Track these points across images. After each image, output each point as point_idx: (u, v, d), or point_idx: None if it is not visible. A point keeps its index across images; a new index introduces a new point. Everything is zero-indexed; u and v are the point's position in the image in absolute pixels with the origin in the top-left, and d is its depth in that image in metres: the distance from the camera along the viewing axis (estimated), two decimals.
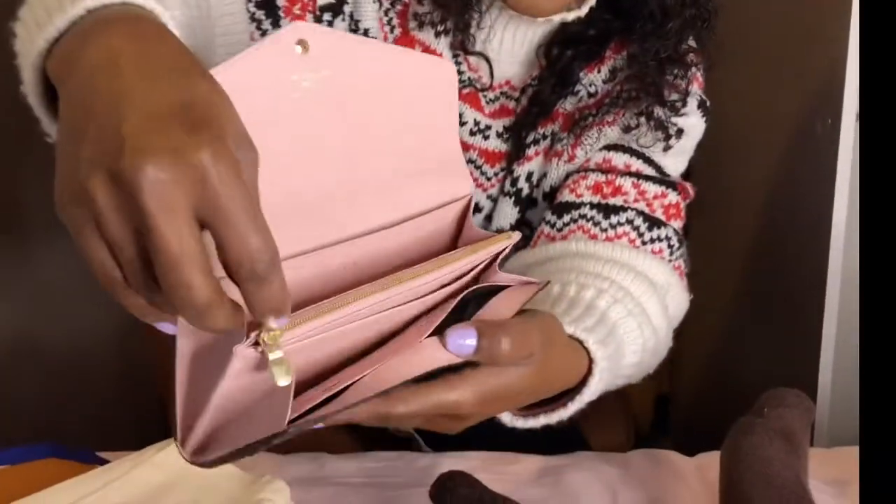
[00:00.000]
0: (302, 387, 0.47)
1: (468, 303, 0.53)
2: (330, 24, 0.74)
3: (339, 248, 0.49)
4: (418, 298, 0.50)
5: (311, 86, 0.45)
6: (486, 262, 0.54)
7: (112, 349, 1.43)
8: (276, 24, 0.72)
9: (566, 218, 0.82)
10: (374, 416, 0.51)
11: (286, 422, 0.43)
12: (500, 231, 0.81)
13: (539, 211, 0.86)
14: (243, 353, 0.43)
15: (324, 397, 0.47)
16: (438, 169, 0.54)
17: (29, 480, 0.76)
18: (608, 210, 0.80)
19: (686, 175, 0.88)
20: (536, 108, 0.83)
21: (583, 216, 0.81)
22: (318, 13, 0.74)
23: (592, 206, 0.81)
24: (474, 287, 0.53)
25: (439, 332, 0.50)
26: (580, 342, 0.63)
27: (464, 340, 0.51)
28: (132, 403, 1.42)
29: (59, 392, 1.39)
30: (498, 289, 0.54)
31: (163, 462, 0.77)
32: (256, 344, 0.42)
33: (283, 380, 0.41)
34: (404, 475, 0.80)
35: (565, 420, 0.65)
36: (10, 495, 0.71)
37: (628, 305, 0.71)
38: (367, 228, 0.50)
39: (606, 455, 0.83)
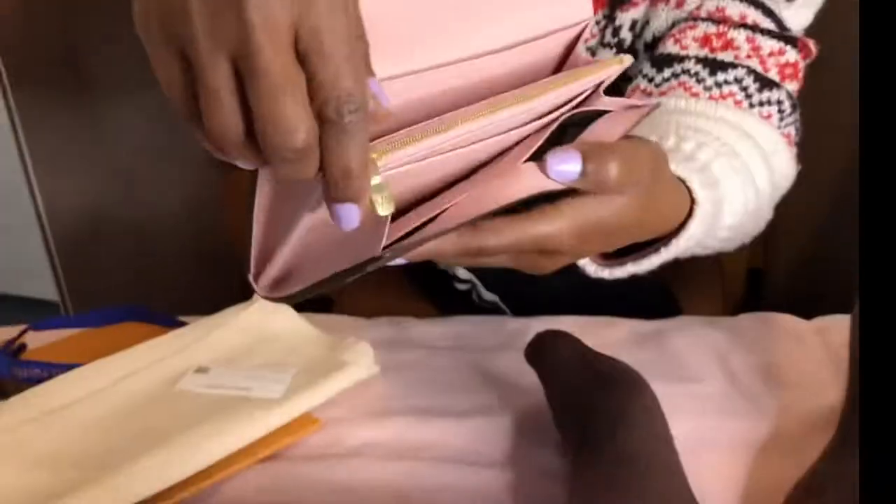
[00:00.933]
0: (396, 215, 0.44)
1: (566, 129, 0.49)
2: None
3: (438, 73, 0.45)
4: (520, 126, 0.46)
5: None
6: (590, 91, 0.50)
7: (186, 221, 1.44)
8: None
9: (667, 72, 0.75)
10: (464, 249, 0.48)
11: (381, 247, 0.40)
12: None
13: (640, 64, 0.80)
14: None
15: (419, 223, 0.44)
16: None
17: (111, 341, 0.76)
18: (715, 66, 0.74)
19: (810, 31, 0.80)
20: None
21: (686, 71, 0.74)
22: None
23: (698, 60, 0.74)
24: (575, 111, 0.49)
25: (537, 158, 0.47)
26: (683, 182, 0.58)
27: (566, 164, 0.46)
28: (210, 272, 1.42)
29: (139, 263, 1.42)
30: (600, 114, 0.50)
31: (244, 324, 0.77)
32: None
33: (384, 208, 0.38)
34: (492, 339, 0.77)
35: (655, 268, 0.60)
36: (92, 356, 0.71)
37: (732, 162, 0.66)
38: (471, 52, 0.46)
39: (711, 318, 0.78)
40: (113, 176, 1.42)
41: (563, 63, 0.52)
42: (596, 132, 0.50)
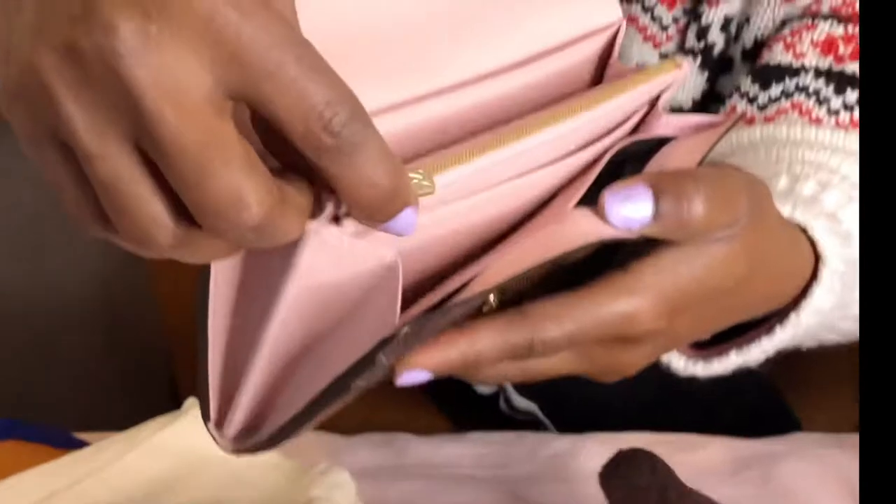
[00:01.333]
0: (406, 300, 0.40)
1: (622, 165, 0.47)
2: None
3: (436, 101, 0.43)
4: (559, 160, 0.43)
5: None
6: (644, 110, 0.48)
7: (99, 302, 1.35)
8: None
9: (775, 89, 0.63)
10: (509, 348, 0.41)
11: (396, 318, 0.37)
12: (678, 110, 0.68)
13: (736, 78, 0.69)
14: (321, 237, 0.35)
15: (444, 294, 0.40)
16: None
17: None
18: (843, 81, 0.63)
19: None
20: None
21: (802, 88, 0.63)
22: None
23: (819, 72, 0.63)
24: (630, 138, 0.46)
25: (590, 201, 0.43)
26: (803, 231, 0.50)
27: (633, 203, 0.40)
28: (123, 368, 1.34)
29: (30, 359, 1.34)
30: (662, 142, 0.47)
31: (166, 445, 0.66)
32: (336, 219, 0.36)
33: (427, 187, 0.37)
34: (528, 464, 0.65)
35: (767, 358, 0.52)
36: None
37: (852, 192, 0.56)
38: (477, 71, 0.44)
39: (840, 436, 0.66)
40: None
41: (599, 76, 0.49)
42: (662, 164, 0.46)
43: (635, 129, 0.47)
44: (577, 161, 0.44)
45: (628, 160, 0.46)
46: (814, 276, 0.49)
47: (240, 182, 0.31)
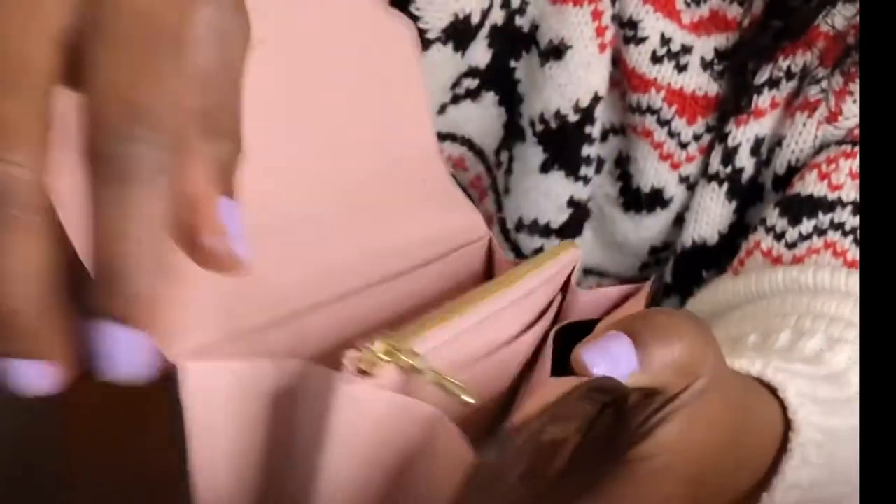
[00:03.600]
0: None
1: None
2: None
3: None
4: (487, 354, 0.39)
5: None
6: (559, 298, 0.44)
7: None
8: None
9: (807, 225, 0.54)
10: None
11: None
12: (702, 246, 0.60)
13: (766, 209, 0.59)
14: (350, 391, 0.32)
15: None
16: (427, 198, 0.44)
17: None
18: None
19: None
20: (778, 22, 0.54)
21: (838, 225, 0.54)
22: None
23: (858, 209, 0.54)
24: (556, 327, 0.43)
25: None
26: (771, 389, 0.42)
27: (616, 360, 0.34)
28: None
29: None
30: (589, 324, 0.43)
31: None
32: (363, 372, 0.32)
33: (467, 393, 0.34)
34: None
35: None
36: None
37: None
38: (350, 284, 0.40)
39: None
40: None
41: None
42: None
43: (556, 318, 0.43)
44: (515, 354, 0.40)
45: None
46: (783, 445, 0.41)
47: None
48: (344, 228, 0.40)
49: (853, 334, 0.48)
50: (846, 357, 0.47)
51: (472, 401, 0.34)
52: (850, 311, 0.50)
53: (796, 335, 0.48)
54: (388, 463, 0.34)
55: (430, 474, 0.35)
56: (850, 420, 0.44)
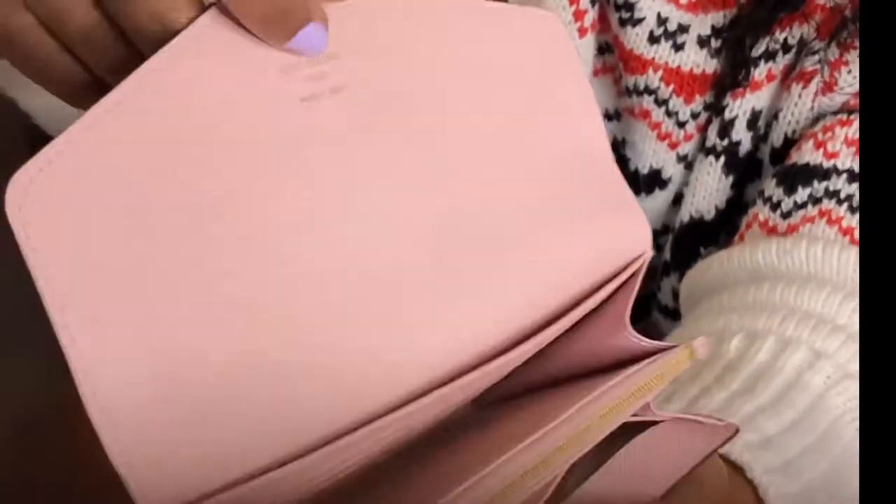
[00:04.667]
0: None
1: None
2: None
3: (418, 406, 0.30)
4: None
5: (325, 95, 0.30)
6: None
7: None
8: None
9: (802, 193, 0.53)
10: None
11: None
12: (699, 220, 0.58)
13: (762, 182, 0.58)
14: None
15: None
16: (600, 202, 0.37)
17: None
18: None
19: None
20: None
21: (833, 193, 0.53)
22: None
23: (853, 176, 0.53)
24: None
25: None
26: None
27: None
28: None
29: None
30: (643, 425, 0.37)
31: None
32: None
33: None
34: None
35: None
36: None
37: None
38: (477, 351, 0.32)
39: None
40: None
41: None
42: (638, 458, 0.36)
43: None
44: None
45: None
46: None
47: None
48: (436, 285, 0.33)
49: (837, 342, 0.47)
50: (825, 377, 0.46)
51: None
52: (839, 304, 0.49)
53: (778, 348, 0.47)
54: None
55: None
56: (821, 464, 0.44)
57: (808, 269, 0.50)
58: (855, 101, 0.54)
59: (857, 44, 0.53)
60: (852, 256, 0.49)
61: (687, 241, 0.58)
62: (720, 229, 0.57)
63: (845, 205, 0.52)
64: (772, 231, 0.53)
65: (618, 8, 0.55)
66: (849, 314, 0.48)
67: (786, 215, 0.53)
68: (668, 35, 0.55)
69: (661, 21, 0.55)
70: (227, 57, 0.29)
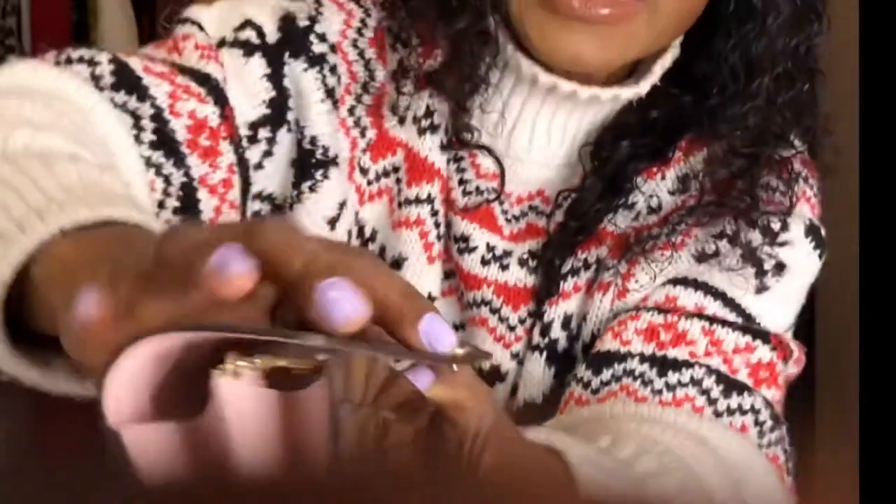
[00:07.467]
0: None
1: None
2: (270, 140, 0.63)
3: None
4: None
5: None
6: None
7: None
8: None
9: (606, 374, 0.65)
10: None
11: None
12: (532, 405, 0.70)
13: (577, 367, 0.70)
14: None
15: None
16: None
17: None
18: (665, 365, 0.65)
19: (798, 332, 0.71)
20: (576, 225, 0.67)
21: (629, 372, 0.65)
22: (250, 133, 0.63)
23: (644, 358, 0.65)
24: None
25: None
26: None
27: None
28: None
29: None
30: None
31: None
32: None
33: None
34: None
35: None
36: None
37: (665, 459, 0.57)
38: None
39: None
40: None
41: None
42: None
43: None
44: None
45: None
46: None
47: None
48: None
49: (648, 443, 0.58)
50: (630, 451, 0.56)
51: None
52: (647, 428, 0.60)
53: (612, 440, 0.57)
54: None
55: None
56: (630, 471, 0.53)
57: (618, 415, 0.62)
58: (643, 303, 0.67)
59: (641, 260, 0.67)
60: (649, 408, 0.62)
61: (520, 423, 0.69)
62: (548, 414, 0.67)
63: (639, 380, 0.64)
64: (582, 404, 0.65)
65: (456, 240, 0.67)
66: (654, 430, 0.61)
67: (595, 391, 0.65)
68: (496, 258, 0.68)
69: (490, 248, 0.68)
70: None
